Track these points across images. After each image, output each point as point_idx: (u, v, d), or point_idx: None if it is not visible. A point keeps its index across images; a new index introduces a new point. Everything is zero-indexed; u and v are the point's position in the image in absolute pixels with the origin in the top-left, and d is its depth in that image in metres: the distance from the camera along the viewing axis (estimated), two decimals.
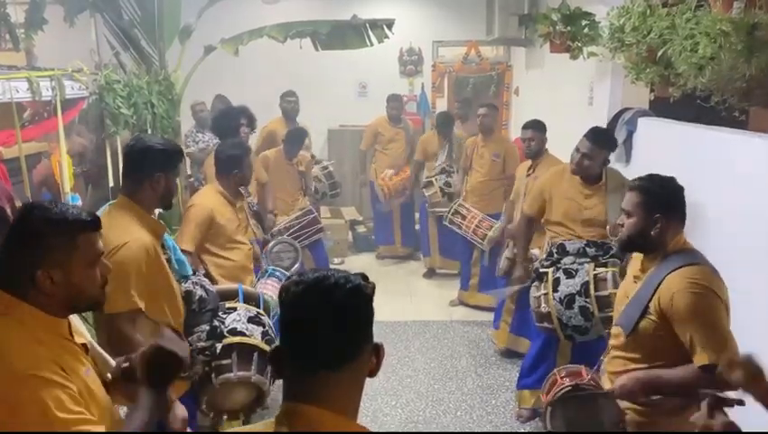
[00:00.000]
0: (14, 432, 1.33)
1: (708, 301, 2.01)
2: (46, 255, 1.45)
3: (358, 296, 1.18)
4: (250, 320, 2.69)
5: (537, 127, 4.36)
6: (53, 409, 1.34)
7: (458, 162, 5.91)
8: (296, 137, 5.37)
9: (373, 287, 1.23)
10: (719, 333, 1.99)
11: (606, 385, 2.32)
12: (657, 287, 2.10)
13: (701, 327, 1.99)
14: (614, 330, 2.31)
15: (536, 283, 3.40)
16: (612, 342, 2.33)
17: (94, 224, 1.55)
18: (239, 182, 3.43)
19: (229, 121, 4.51)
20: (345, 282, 1.17)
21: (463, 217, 5.21)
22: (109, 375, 1.66)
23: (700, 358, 1.98)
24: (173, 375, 1.63)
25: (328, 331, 1.15)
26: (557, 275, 3.27)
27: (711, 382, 1.87)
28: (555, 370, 2.63)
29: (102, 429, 1.42)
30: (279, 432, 1.16)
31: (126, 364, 1.61)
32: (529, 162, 4.43)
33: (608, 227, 3.31)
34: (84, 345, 1.59)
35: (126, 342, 2.09)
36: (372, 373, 1.23)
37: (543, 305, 3.27)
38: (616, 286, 3.05)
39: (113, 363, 1.74)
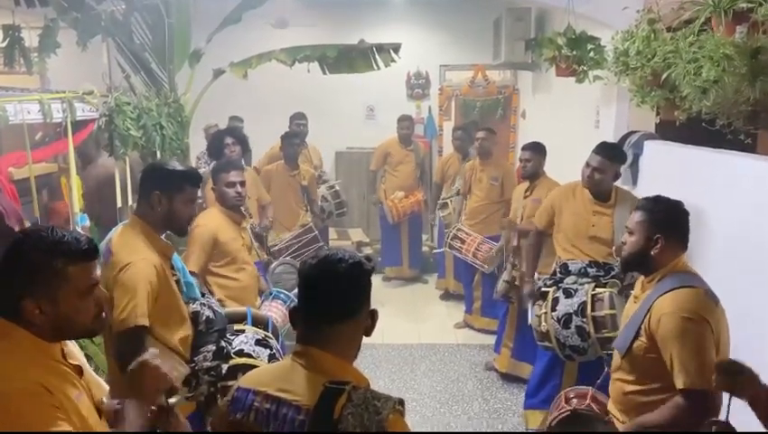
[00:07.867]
0: (6, 432, 1.32)
1: (694, 326, 1.99)
2: (35, 284, 1.41)
3: (358, 269, 1.47)
4: (258, 343, 2.68)
5: (535, 149, 4.39)
6: (37, 423, 1.33)
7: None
8: (290, 137, 5.43)
9: (373, 266, 1.52)
10: (699, 359, 1.96)
11: (611, 407, 2.30)
12: (649, 309, 2.10)
13: (682, 351, 1.97)
14: (615, 352, 2.30)
15: (539, 302, 3.40)
16: (612, 363, 2.32)
17: (89, 254, 1.49)
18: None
19: (216, 143, 4.61)
20: (349, 258, 1.47)
21: (463, 241, 5.21)
22: (104, 399, 1.63)
23: (677, 381, 1.97)
24: (156, 388, 1.56)
25: (332, 294, 1.45)
26: (557, 294, 3.28)
27: (704, 410, 1.86)
28: (564, 390, 2.63)
29: None
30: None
31: (119, 406, 1.57)
32: (527, 183, 4.43)
33: (614, 247, 3.30)
34: (78, 367, 1.57)
35: (134, 360, 2.08)
36: (368, 332, 1.52)
37: (543, 324, 3.28)
38: (612, 306, 3.06)
39: (106, 387, 1.72)
